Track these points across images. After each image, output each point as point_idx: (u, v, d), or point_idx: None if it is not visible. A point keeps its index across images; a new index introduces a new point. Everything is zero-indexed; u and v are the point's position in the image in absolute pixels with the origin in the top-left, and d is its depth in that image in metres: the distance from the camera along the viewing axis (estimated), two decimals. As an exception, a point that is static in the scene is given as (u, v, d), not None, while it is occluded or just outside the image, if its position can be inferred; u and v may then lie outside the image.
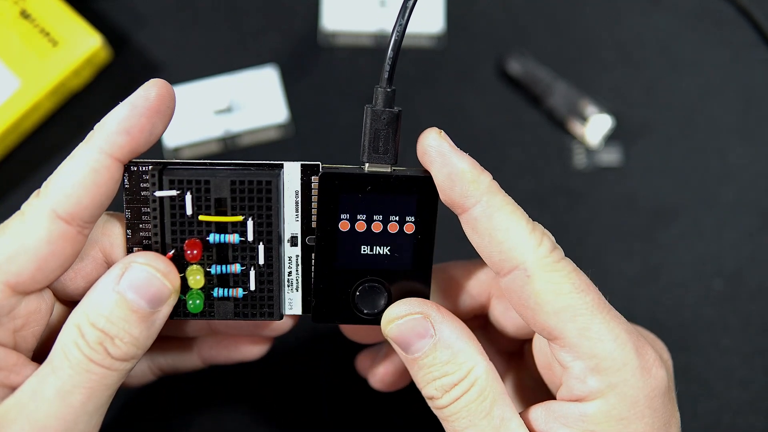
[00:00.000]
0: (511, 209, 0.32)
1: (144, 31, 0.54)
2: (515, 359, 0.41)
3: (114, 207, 0.37)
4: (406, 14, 0.33)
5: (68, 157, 0.33)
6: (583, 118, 0.51)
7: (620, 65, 0.53)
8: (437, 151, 0.33)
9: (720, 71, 0.53)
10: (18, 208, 0.52)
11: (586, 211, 0.51)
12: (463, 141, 0.53)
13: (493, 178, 0.33)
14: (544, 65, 0.53)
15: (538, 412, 0.33)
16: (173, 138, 0.50)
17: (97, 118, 0.53)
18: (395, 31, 0.33)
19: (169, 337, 0.40)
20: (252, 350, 0.40)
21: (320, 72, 0.53)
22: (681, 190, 0.51)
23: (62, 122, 0.52)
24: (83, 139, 0.52)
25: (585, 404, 0.32)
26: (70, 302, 0.36)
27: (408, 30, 0.52)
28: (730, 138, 0.52)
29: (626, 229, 0.51)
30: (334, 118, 0.52)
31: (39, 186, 0.49)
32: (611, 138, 0.52)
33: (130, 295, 0.32)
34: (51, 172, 0.50)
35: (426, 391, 0.34)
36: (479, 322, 0.40)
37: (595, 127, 0.51)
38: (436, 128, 0.33)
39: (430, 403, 0.34)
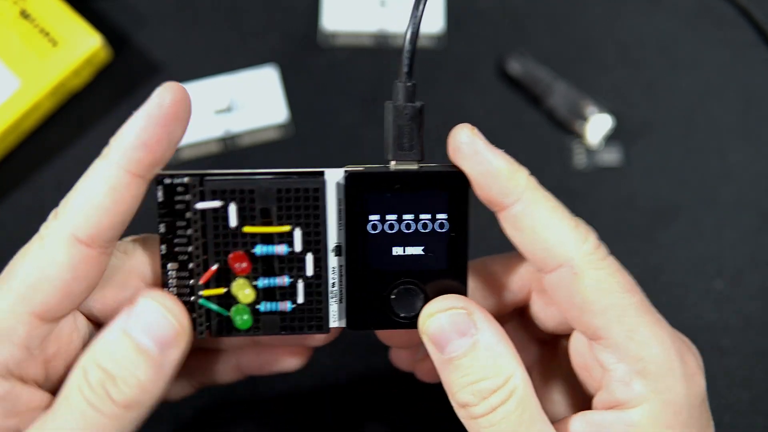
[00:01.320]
0: (552, 205, 0.32)
1: (144, 31, 0.53)
2: (549, 349, 0.40)
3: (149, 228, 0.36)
4: (421, 5, 0.32)
5: (85, 175, 0.31)
6: (583, 118, 0.51)
7: (620, 65, 0.53)
8: (471, 149, 0.31)
9: (720, 71, 0.53)
10: (18, 208, 0.52)
11: (586, 211, 0.51)
12: (463, 141, 0.52)
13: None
14: (544, 65, 0.53)
15: (577, 424, 0.32)
16: (173, 138, 0.50)
17: (97, 118, 0.53)
18: (411, 23, 0.32)
19: (208, 350, 0.39)
20: (291, 362, 0.39)
21: (320, 72, 0.53)
22: (681, 190, 0.51)
23: (62, 122, 0.52)
24: (83, 138, 0.52)
25: (629, 412, 0.31)
26: None
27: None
28: (730, 138, 0.52)
29: (626, 229, 0.51)
30: (334, 118, 0.52)
31: (39, 185, 0.49)
32: (611, 138, 0.52)
33: (137, 334, 0.30)
34: (51, 172, 0.51)
35: (460, 396, 0.31)
36: (516, 312, 0.39)
37: (595, 127, 0.51)
38: (468, 124, 0.32)
39: (462, 412, 0.32)
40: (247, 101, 0.51)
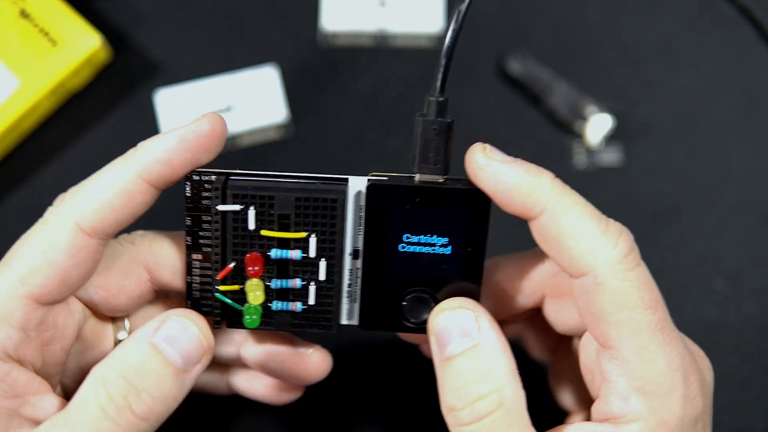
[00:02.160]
0: (579, 210, 0.31)
1: (144, 31, 0.53)
2: (565, 344, 0.40)
3: (157, 225, 0.37)
4: (460, 18, 0.32)
5: (103, 170, 0.32)
6: (584, 118, 0.51)
7: (621, 65, 0.53)
8: (487, 172, 0.32)
9: (721, 71, 0.53)
10: (18, 208, 0.52)
11: (587, 211, 0.51)
12: (463, 141, 0.53)
13: (555, 176, 0.32)
14: (544, 65, 0.52)
15: None
16: (173, 138, 0.50)
17: (97, 118, 0.53)
18: (448, 36, 0.32)
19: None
20: (281, 395, 0.39)
21: (320, 72, 0.53)
22: (681, 190, 0.51)
23: (62, 122, 0.52)
24: (83, 138, 0.52)
25: (622, 428, 0.31)
26: (110, 319, 0.36)
27: (408, 30, 0.52)
28: (731, 138, 0.52)
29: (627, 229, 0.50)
30: (334, 118, 0.52)
31: (39, 185, 0.49)
32: (612, 138, 0.52)
33: (164, 347, 0.31)
34: (51, 172, 0.51)
35: (448, 399, 0.32)
36: (528, 312, 0.39)
37: (595, 126, 0.51)
38: (481, 144, 0.32)
39: (450, 418, 0.32)
40: (247, 101, 0.51)
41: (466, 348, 0.31)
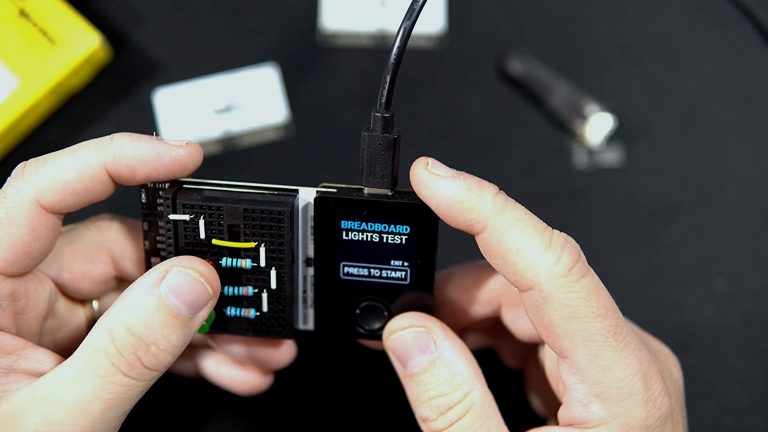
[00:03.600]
0: (521, 227, 0.31)
1: (143, 31, 0.53)
2: (532, 353, 0.40)
3: (122, 209, 0.38)
4: (405, 35, 0.31)
5: (70, 149, 0.32)
6: (584, 118, 0.51)
7: (621, 64, 0.53)
8: (429, 188, 0.31)
9: (721, 70, 0.53)
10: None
11: (587, 211, 0.51)
12: (463, 141, 0.53)
13: (499, 190, 0.31)
14: (544, 65, 0.52)
15: None
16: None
17: (96, 117, 0.53)
18: (393, 53, 0.31)
19: None
20: (247, 382, 0.39)
21: (320, 72, 0.53)
22: (682, 190, 0.51)
23: (61, 122, 0.52)
24: (82, 138, 0.52)
25: None
26: (79, 301, 0.37)
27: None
28: (731, 137, 0.52)
29: (626, 229, 0.50)
30: (334, 118, 0.52)
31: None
32: (612, 138, 0.52)
33: (171, 299, 0.31)
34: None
35: (420, 411, 0.33)
36: (492, 321, 0.40)
37: (595, 126, 0.51)
38: (424, 159, 0.32)
39: (424, 426, 0.33)
40: (247, 101, 0.51)
41: (426, 364, 0.33)
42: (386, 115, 0.32)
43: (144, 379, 0.31)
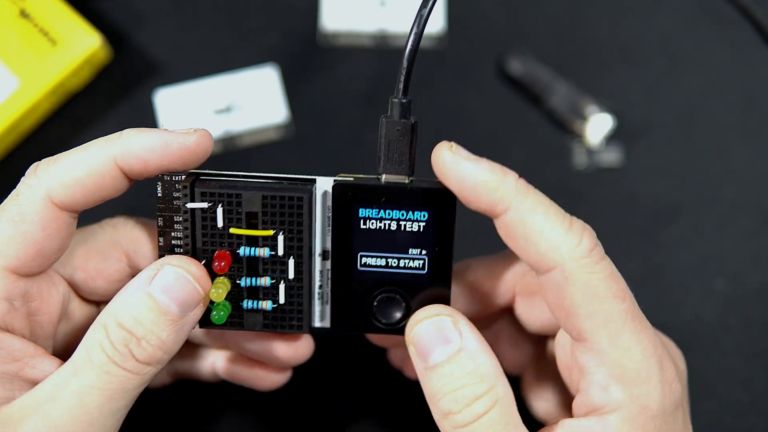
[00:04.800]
0: (544, 209, 0.31)
1: (144, 31, 0.53)
2: (541, 347, 0.40)
3: (138, 210, 0.38)
4: (422, 22, 0.32)
5: (81, 147, 0.33)
6: (584, 118, 0.51)
7: (621, 65, 0.53)
8: (454, 167, 0.32)
9: (721, 71, 0.53)
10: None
11: (587, 211, 0.51)
12: (463, 141, 0.53)
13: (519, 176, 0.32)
14: (544, 65, 0.52)
15: None
16: (173, 138, 0.50)
17: (97, 117, 0.53)
18: (410, 40, 0.32)
19: (191, 342, 0.40)
20: (266, 378, 0.39)
21: (320, 72, 0.53)
22: (682, 190, 0.51)
23: (61, 122, 0.52)
24: (82, 138, 0.52)
25: (605, 418, 0.31)
26: (94, 303, 0.37)
27: (408, 30, 0.52)
28: (731, 137, 0.52)
29: (626, 229, 0.50)
30: (334, 118, 0.52)
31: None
32: (612, 138, 0.52)
33: (160, 296, 0.31)
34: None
35: (443, 404, 0.32)
36: (508, 309, 0.40)
37: (595, 126, 0.51)
38: (447, 142, 0.32)
39: (444, 422, 0.32)
40: (247, 101, 0.51)
41: (451, 354, 0.32)
42: (404, 100, 0.33)
43: (138, 372, 0.31)
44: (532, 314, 0.37)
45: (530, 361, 0.41)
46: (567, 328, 0.32)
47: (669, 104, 0.53)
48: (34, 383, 0.32)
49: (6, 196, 0.50)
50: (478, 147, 0.52)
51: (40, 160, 0.50)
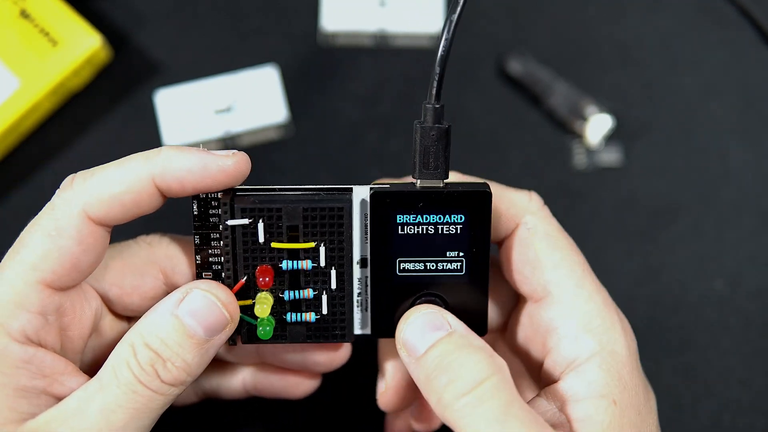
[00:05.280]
0: (500, 187, 0.36)
1: (144, 31, 0.53)
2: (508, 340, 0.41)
3: (170, 225, 0.37)
4: (452, 28, 0.33)
5: (118, 162, 0.33)
6: (583, 118, 0.51)
7: (620, 65, 0.53)
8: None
9: (720, 71, 0.53)
10: (18, 208, 0.52)
11: (586, 211, 0.51)
12: (463, 141, 0.53)
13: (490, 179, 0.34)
14: (544, 65, 0.53)
15: (543, 402, 0.33)
16: (173, 138, 0.50)
17: (97, 117, 0.53)
18: (441, 46, 0.33)
19: (214, 360, 0.40)
20: (299, 386, 0.39)
21: (320, 72, 0.53)
22: (681, 190, 0.51)
23: (62, 122, 0.52)
24: (83, 138, 0.52)
25: (581, 368, 0.32)
26: (125, 318, 0.36)
27: (408, 30, 0.52)
28: (730, 138, 0.52)
29: (626, 229, 0.51)
30: (334, 118, 0.52)
31: (39, 185, 0.49)
32: (611, 138, 0.52)
33: (188, 320, 0.32)
34: (51, 172, 0.51)
35: (438, 381, 0.31)
36: None
37: (595, 127, 0.51)
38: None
39: (440, 403, 0.31)
40: (247, 101, 0.51)
41: (443, 336, 0.32)
42: (437, 106, 0.34)
43: (163, 392, 0.31)
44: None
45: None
46: (532, 284, 0.34)
47: (668, 104, 0.53)
48: (59, 399, 0.32)
49: (6, 198, 0.50)
50: (478, 147, 0.52)
51: (40, 160, 0.51)
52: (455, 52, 0.54)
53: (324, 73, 0.53)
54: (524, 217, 0.35)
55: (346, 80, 0.53)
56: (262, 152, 0.51)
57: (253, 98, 0.51)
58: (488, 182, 0.35)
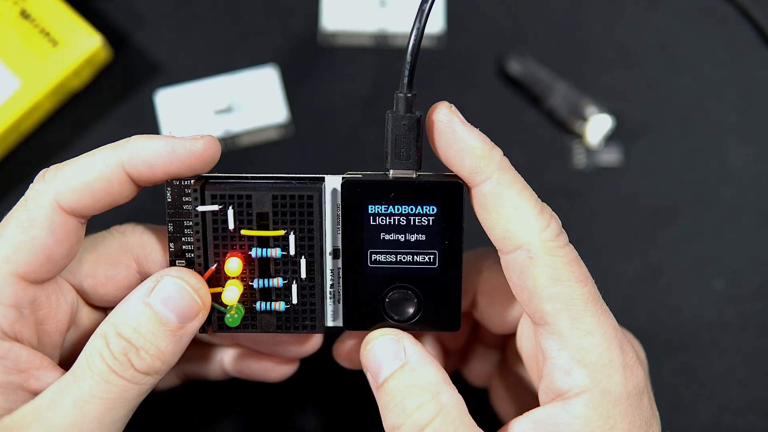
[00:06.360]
0: (520, 187, 0.32)
1: (144, 31, 0.54)
2: (503, 356, 0.41)
3: (149, 219, 0.37)
4: (423, 17, 0.32)
5: (89, 153, 0.33)
6: (583, 118, 0.51)
7: (620, 65, 0.53)
8: (447, 126, 0.32)
9: (720, 71, 0.53)
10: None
11: (586, 211, 0.51)
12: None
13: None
14: (544, 65, 0.53)
15: (522, 424, 0.33)
16: (173, 138, 0.50)
17: (97, 118, 0.53)
18: (413, 35, 0.33)
19: (193, 342, 0.40)
20: (276, 370, 0.40)
21: (320, 72, 0.53)
22: (681, 190, 0.51)
23: (62, 122, 0.52)
24: (83, 138, 0.52)
25: (570, 402, 0.32)
26: (102, 309, 0.37)
27: (408, 30, 0.52)
28: (730, 138, 0.52)
29: (626, 229, 0.51)
30: (334, 118, 0.52)
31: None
32: (611, 138, 0.52)
33: (159, 307, 0.32)
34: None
35: (389, 419, 0.32)
36: (469, 324, 0.40)
37: (595, 127, 0.51)
38: (446, 102, 0.33)
39: None
40: (247, 101, 0.51)
41: (395, 368, 0.33)
42: (409, 95, 0.34)
43: (137, 381, 0.31)
44: (494, 311, 0.38)
45: (496, 370, 0.41)
46: (529, 310, 0.32)
47: (668, 104, 0.53)
48: (36, 395, 0.32)
49: (6, 198, 0.50)
50: (478, 147, 0.52)
51: (40, 160, 0.51)
52: (455, 52, 0.54)
53: (324, 73, 0.53)
54: (530, 244, 0.32)
55: (346, 80, 0.53)
56: (262, 152, 0.51)
57: (253, 98, 0.51)
58: (514, 180, 0.32)
